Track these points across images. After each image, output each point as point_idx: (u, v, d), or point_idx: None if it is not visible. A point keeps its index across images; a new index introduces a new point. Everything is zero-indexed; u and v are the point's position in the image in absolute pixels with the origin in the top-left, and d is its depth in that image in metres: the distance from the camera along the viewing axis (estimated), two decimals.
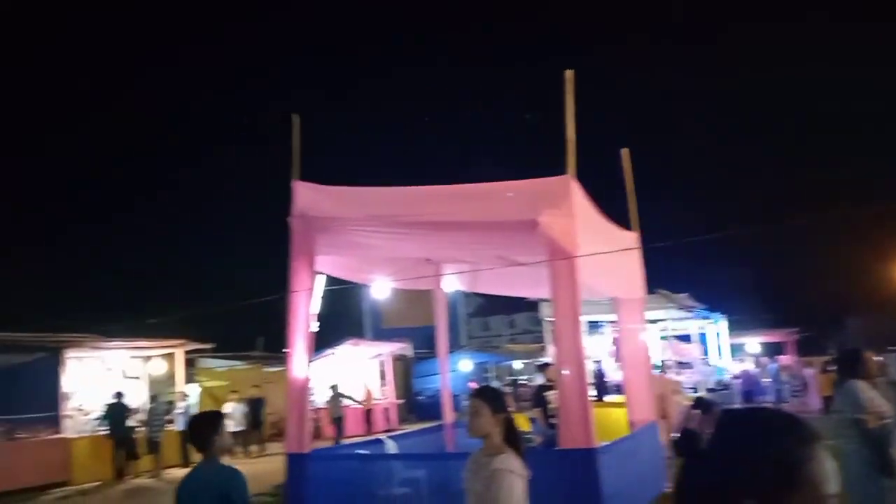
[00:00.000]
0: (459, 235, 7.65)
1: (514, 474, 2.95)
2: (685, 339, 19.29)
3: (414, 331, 28.23)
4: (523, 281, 9.24)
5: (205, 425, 3.55)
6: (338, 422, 18.58)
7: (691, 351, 18.67)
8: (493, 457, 3.02)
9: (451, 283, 10.39)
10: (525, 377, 27.23)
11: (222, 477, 3.38)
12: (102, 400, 15.14)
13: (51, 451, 13.74)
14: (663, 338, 18.32)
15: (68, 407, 14.56)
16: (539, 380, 10.12)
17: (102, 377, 15.94)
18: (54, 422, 14.25)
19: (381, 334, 30.63)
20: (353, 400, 20.25)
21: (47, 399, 14.34)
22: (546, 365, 9.80)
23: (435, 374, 24.52)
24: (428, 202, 7.42)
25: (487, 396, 3.17)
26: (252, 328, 26.55)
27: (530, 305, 21.59)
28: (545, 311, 16.86)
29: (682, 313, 17.62)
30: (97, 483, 13.70)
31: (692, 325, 18.96)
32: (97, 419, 15.08)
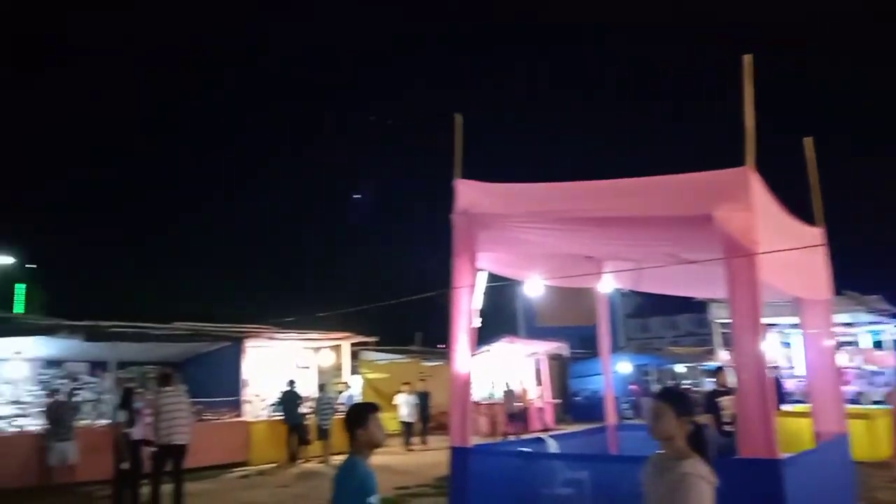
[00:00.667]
0: (625, 232, 7.36)
1: (703, 480, 2.81)
2: (877, 345, 17.48)
3: (568, 330, 27.84)
4: (693, 280, 8.76)
5: (352, 418, 3.62)
6: (514, 418, 19.14)
7: (885, 359, 16.88)
8: (680, 461, 2.87)
9: (611, 282, 10.07)
10: (688, 381, 26.04)
11: (354, 470, 3.42)
12: (277, 387, 16.24)
13: (233, 433, 14.90)
14: (849, 343, 16.79)
15: (247, 393, 15.73)
16: (709, 385, 9.58)
17: (277, 366, 17.08)
18: (236, 406, 15.47)
19: (535, 333, 30.49)
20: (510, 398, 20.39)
21: (230, 385, 15.58)
22: (719, 369, 9.27)
23: (593, 375, 24.08)
24: (593, 197, 7.20)
25: (672, 399, 3.03)
26: (411, 324, 27.41)
27: (695, 306, 20.53)
28: (715, 313, 15.99)
29: (873, 317, 16.04)
30: (272, 465, 14.69)
31: (886, 330, 17.16)
32: (272, 405, 16.21)
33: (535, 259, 9.61)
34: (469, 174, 8.00)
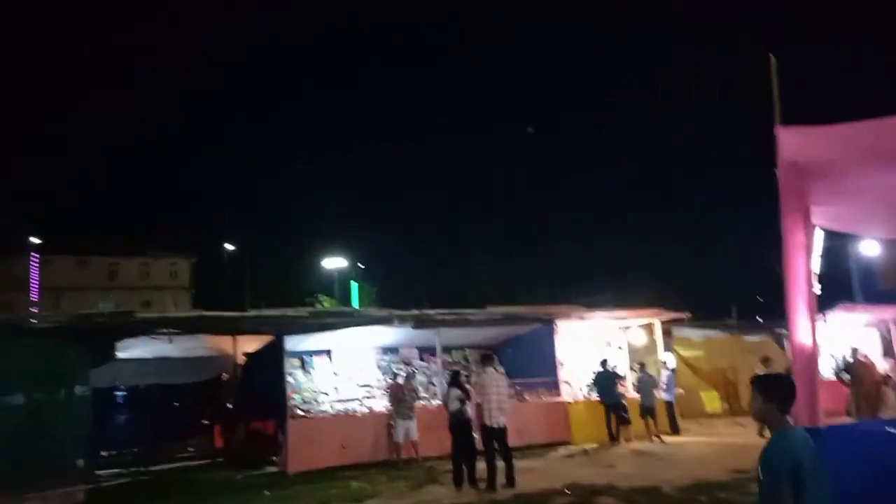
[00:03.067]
0: None
1: None
2: None
3: None
4: None
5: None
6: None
7: None
8: None
9: None
10: None
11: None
12: (590, 367, 16.21)
13: (552, 412, 15.21)
14: None
15: (563, 373, 15.93)
16: None
17: (589, 346, 17.04)
18: (552, 386, 15.76)
19: (875, 297, 26.45)
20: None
21: (544, 365, 15.93)
22: None
23: None
24: None
25: None
26: (726, 297, 25.63)
27: None
28: None
29: None
30: (594, 445, 14.67)
31: None
32: (588, 385, 16.22)
33: (876, 212, 8.22)
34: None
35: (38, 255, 57.83)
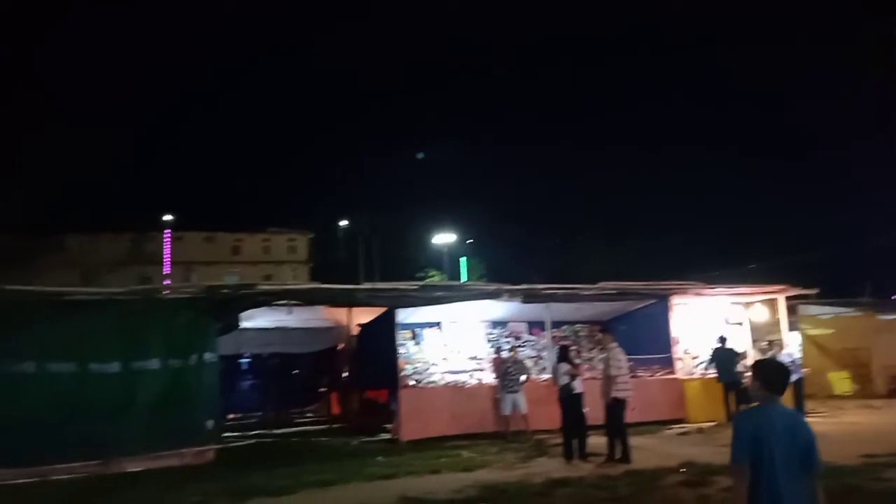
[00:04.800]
0: None
1: None
2: None
3: None
4: None
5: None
6: None
7: None
8: None
9: None
10: None
11: None
12: (707, 344, 15.61)
13: (667, 390, 14.80)
14: None
15: (678, 350, 15.44)
16: None
17: (706, 322, 16.40)
18: (667, 363, 15.31)
19: None
20: None
21: (659, 342, 15.48)
22: None
23: None
24: None
25: None
26: (857, 272, 23.92)
27: None
28: None
29: None
30: (711, 423, 14.16)
31: None
32: (704, 363, 15.64)
33: None
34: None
35: (170, 232, 61.93)
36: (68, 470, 10.64)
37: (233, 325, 13.11)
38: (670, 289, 15.66)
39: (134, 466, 11.03)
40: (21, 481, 10.17)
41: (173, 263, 61.62)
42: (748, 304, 16.84)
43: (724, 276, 15.77)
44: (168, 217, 60.14)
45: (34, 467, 10.52)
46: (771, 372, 3.86)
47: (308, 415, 19.94)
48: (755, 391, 3.77)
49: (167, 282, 48.22)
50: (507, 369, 13.58)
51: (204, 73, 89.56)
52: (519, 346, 15.43)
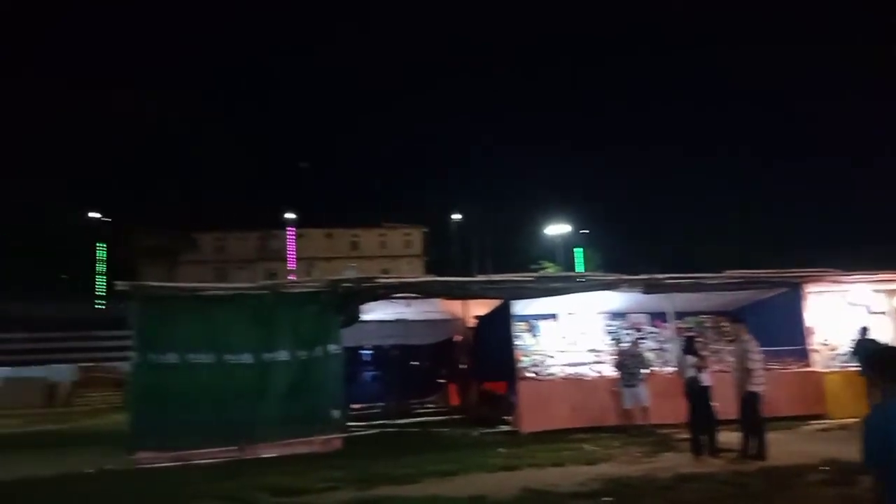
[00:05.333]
0: None
1: None
2: None
3: None
4: None
5: None
6: None
7: None
8: None
9: None
10: None
11: None
12: (847, 335, 14.56)
13: (803, 383, 13.94)
14: None
15: (814, 341, 14.50)
16: None
17: (845, 312, 15.31)
18: (800, 355, 14.41)
19: None
20: None
21: (790, 332, 14.59)
22: None
23: None
24: None
25: None
26: None
27: None
28: None
29: None
30: (854, 419, 13.20)
31: None
32: (845, 354, 14.60)
33: None
34: None
35: (293, 230, 64.75)
36: (208, 455, 11.36)
37: (354, 317, 13.51)
38: (804, 276, 14.72)
39: (267, 452, 11.62)
40: (166, 465, 10.96)
41: (296, 259, 64.47)
42: (893, 292, 15.56)
43: (868, 263, 14.59)
44: (291, 215, 62.91)
45: (178, 451, 11.32)
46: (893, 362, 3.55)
47: (428, 405, 20.29)
48: (883, 384, 3.45)
49: (291, 277, 50.39)
50: (623, 362, 13.26)
51: (324, 75, 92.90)
52: (640, 339, 15.00)
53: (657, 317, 15.83)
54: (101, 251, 49.32)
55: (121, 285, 12.37)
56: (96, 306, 41.33)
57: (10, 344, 31.28)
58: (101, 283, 46.87)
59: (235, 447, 11.60)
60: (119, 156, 45.05)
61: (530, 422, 13.08)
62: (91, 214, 47.91)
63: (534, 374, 14.20)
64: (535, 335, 15.55)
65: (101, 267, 49.01)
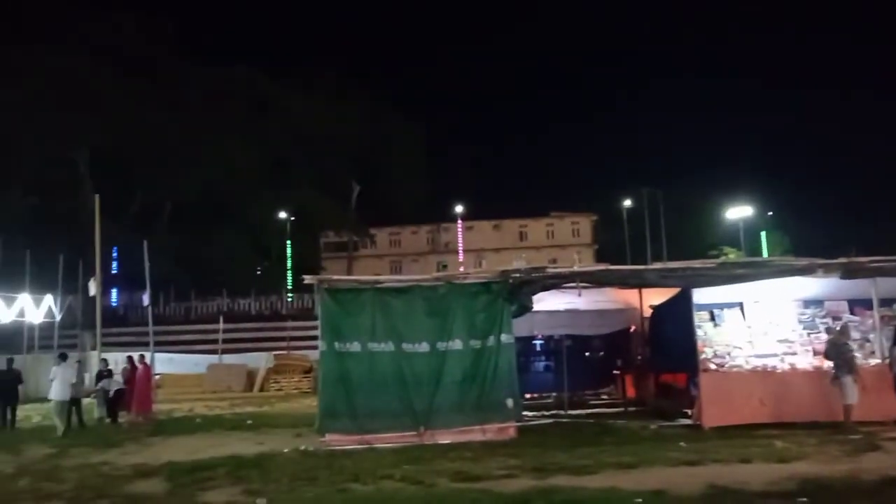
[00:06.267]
0: None
1: None
2: None
3: None
4: None
5: None
6: None
7: None
8: None
9: None
10: None
11: None
12: None
13: None
14: None
15: None
16: None
17: None
18: None
19: None
20: None
21: None
22: None
23: None
24: None
25: None
26: None
27: None
28: None
29: None
30: None
31: None
32: None
33: None
34: None
35: (462, 223, 66.18)
36: (389, 439, 11.92)
37: (526, 307, 13.53)
38: None
39: (444, 438, 11.98)
40: (353, 447, 11.62)
41: (466, 251, 65.83)
42: None
43: None
44: (459, 209, 64.30)
45: (363, 435, 11.98)
46: None
47: (602, 397, 19.91)
48: None
49: (461, 269, 51.55)
50: (836, 353, 12.13)
51: (490, 60, 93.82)
52: (850, 323, 13.73)
53: (860, 304, 14.36)
54: (288, 248, 53.28)
55: (308, 279, 13.30)
56: (287, 298, 44.64)
57: (214, 335, 34.58)
58: (289, 278, 50.65)
59: (414, 433, 12.07)
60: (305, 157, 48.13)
61: (713, 416, 12.43)
62: (280, 214, 51.82)
63: (717, 366, 13.44)
64: (717, 325, 14.69)
65: (289, 263, 52.97)
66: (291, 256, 53.61)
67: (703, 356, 13.44)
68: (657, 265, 15.12)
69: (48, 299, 26.85)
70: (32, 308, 25.84)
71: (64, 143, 39.57)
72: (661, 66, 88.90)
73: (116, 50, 41.89)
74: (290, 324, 36.45)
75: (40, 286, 27.33)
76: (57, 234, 35.83)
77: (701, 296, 13.62)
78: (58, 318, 27.62)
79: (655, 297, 15.91)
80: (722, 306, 14.73)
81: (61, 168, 40.73)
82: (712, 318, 14.71)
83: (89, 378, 18.54)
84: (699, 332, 13.74)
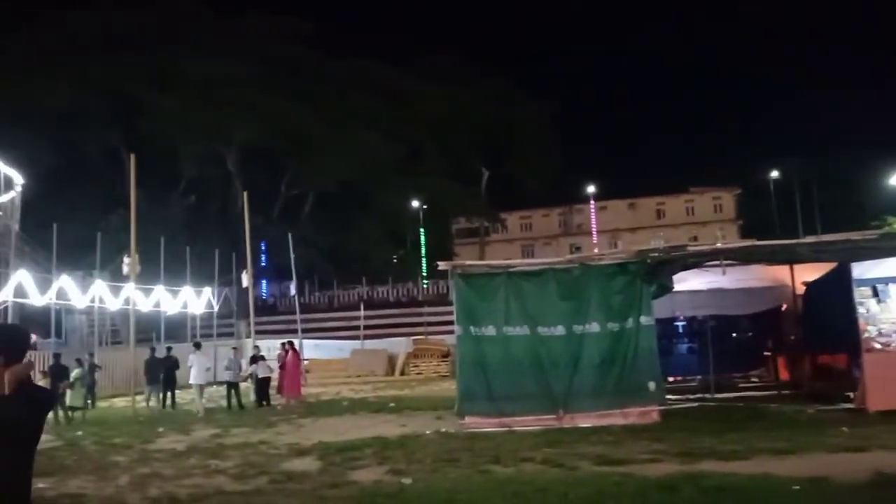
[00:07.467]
0: None
1: None
2: None
3: None
4: None
5: None
6: None
7: None
8: None
9: None
10: None
11: None
12: None
13: None
14: None
15: None
16: None
17: None
18: None
19: None
20: None
21: None
22: None
23: None
24: None
25: None
26: None
27: None
28: None
29: None
30: None
31: None
32: None
33: None
34: None
35: (595, 203, 64.75)
36: (528, 422, 11.92)
37: (666, 287, 13.06)
38: None
39: (583, 422, 11.83)
40: (492, 429, 11.73)
41: (599, 232, 64.44)
42: None
43: None
44: (592, 188, 62.87)
45: (501, 417, 12.06)
46: None
47: (752, 379, 18.87)
48: None
49: (595, 250, 50.53)
50: None
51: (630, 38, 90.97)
52: None
53: None
54: (422, 236, 54.47)
55: (442, 265, 13.52)
56: (422, 285, 45.73)
57: (356, 321, 36.03)
58: (423, 265, 51.79)
59: (553, 416, 12.00)
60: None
61: (879, 399, 11.47)
62: (413, 203, 52.99)
63: (882, 346, 12.37)
64: (881, 301, 13.48)
65: (423, 250, 54.16)
66: (425, 244, 54.76)
67: (867, 335, 12.41)
68: (810, 239, 14.10)
69: (207, 291, 29.11)
70: (194, 300, 28.13)
71: (215, 143, 42.62)
72: (817, 33, 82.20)
73: (261, 50, 44.56)
74: (426, 309, 37.29)
75: (200, 279, 29.65)
76: (211, 229, 38.65)
77: (862, 270, 12.57)
78: (216, 308, 29.87)
79: (809, 272, 14.87)
80: (887, 280, 13.49)
81: (213, 167, 43.83)
82: (875, 294, 13.51)
83: (245, 363, 19.94)
84: (861, 310, 12.69)
